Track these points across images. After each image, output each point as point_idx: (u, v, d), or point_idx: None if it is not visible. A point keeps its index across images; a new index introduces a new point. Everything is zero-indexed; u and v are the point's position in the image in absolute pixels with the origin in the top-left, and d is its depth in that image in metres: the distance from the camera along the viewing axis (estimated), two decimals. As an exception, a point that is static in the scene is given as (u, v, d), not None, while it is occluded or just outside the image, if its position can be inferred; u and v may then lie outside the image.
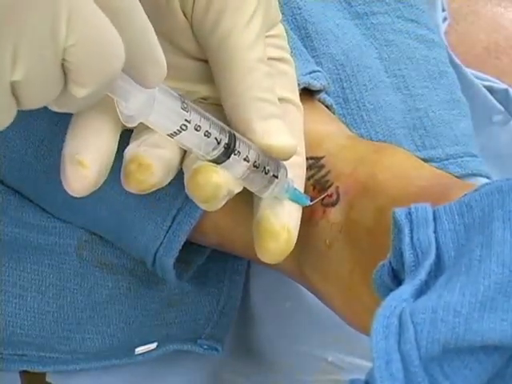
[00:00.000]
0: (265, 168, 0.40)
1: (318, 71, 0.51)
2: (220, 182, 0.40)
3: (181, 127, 0.38)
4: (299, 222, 0.43)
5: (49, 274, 0.53)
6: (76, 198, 0.39)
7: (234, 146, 0.39)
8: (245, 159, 0.40)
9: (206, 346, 0.52)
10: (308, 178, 0.46)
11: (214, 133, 0.39)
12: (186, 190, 0.41)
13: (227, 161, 0.39)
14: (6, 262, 0.52)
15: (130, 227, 0.49)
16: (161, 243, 0.48)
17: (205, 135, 0.38)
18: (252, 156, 0.40)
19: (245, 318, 0.56)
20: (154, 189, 0.41)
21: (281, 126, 0.41)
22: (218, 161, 0.39)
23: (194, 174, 0.40)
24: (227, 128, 0.40)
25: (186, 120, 0.38)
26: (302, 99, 0.48)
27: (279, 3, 0.45)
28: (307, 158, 0.45)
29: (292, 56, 0.45)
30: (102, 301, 0.53)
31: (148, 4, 0.35)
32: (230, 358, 0.55)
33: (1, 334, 0.51)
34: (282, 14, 0.45)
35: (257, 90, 0.40)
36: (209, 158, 0.39)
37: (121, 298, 0.54)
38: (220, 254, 0.53)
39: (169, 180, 0.42)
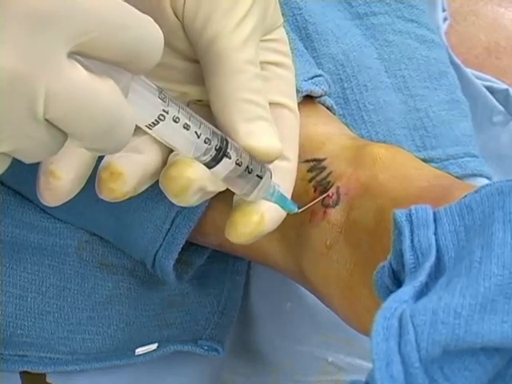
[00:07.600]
0: (248, 167, 0.39)
1: (320, 75, 0.50)
2: (192, 176, 0.39)
3: (158, 117, 0.36)
4: (277, 224, 0.42)
5: (49, 274, 0.53)
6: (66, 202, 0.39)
7: (226, 149, 0.39)
8: (226, 155, 0.39)
9: (206, 347, 0.52)
10: (309, 180, 0.46)
11: (204, 134, 0.38)
12: (160, 184, 0.40)
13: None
14: (6, 263, 0.52)
15: (129, 229, 0.49)
16: (160, 245, 0.49)
17: (184, 127, 0.37)
18: (233, 154, 0.39)
19: (245, 319, 0.56)
20: (127, 197, 0.41)
21: (266, 127, 0.40)
22: (208, 165, 0.39)
23: (168, 167, 0.39)
24: (218, 132, 0.39)
25: (163, 110, 0.36)
26: (302, 101, 0.48)
27: (279, 4, 0.44)
28: (309, 161, 0.45)
29: (293, 59, 0.45)
30: (102, 301, 0.53)
31: (140, 6, 0.34)
32: (230, 358, 0.55)
33: (1, 335, 0.51)
34: (282, 14, 0.45)
35: (243, 92, 0.39)
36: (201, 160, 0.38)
37: (121, 298, 0.54)
38: (220, 254, 0.53)
39: (146, 187, 0.41)
